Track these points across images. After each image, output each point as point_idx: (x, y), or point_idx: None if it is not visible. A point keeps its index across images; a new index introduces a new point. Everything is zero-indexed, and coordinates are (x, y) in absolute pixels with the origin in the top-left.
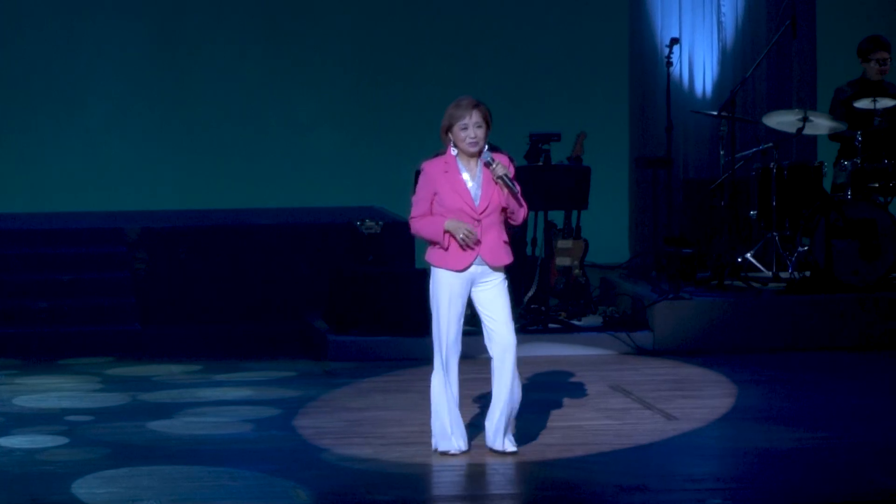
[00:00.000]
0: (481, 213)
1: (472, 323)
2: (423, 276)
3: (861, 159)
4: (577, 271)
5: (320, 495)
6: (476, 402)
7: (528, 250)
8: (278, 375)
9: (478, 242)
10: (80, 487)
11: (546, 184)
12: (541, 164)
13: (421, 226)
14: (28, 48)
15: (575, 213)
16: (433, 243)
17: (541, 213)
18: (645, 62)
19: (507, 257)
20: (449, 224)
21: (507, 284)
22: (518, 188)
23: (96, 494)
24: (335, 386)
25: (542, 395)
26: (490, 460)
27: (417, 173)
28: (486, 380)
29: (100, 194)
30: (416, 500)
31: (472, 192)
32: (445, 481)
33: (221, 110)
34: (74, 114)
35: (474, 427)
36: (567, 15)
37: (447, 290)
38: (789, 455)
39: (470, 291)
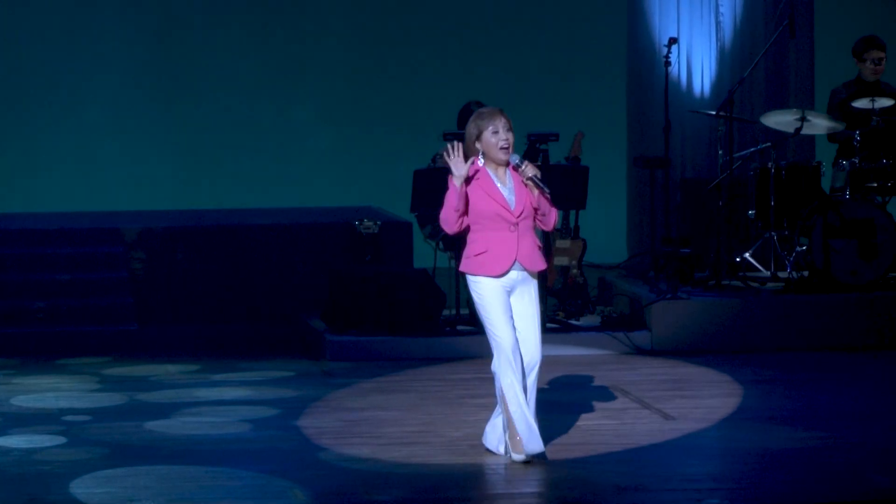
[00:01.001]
0: (518, 216)
1: (472, 323)
2: (422, 276)
3: (859, 159)
4: (575, 271)
5: (318, 495)
6: (478, 403)
7: None
8: (276, 375)
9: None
10: (77, 487)
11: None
12: (539, 164)
13: (443, 205)
14: (26, 49)
15: (573, 212)
16: (459, 213)
17: None
18: (643, 62)
19: (542, 262)
20: (454, 175)
21: (539, 295)
22: (548, 190)
23: (94, 494)
24: (333, 386)
25: (540, 395)
26: (489, 461)
27: (416, 173)
28: (486, 380)
29: (97, 194)
30: (415, 501)
31: (507, 197)
32: (444, 482)
33: (219, 111)
34: (72, 114)
35: (475, 427)
36: (565, 15)
37: (493, 298)
38: (788, 455)
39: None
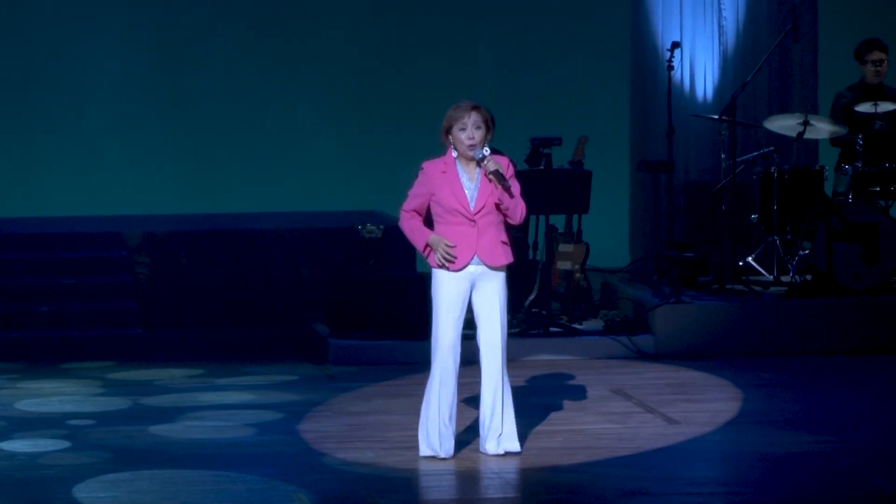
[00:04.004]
0: (476, 213)
1: (470, 327)
2: (425, 280)
3: (862, 163)
4: (578, 275)
5: (321, 499)
6: (471, 406)
7: (530, 254)
8: (280, 379)
9: (453, 249)
10: (81, 491)
11: (547, 188)
12: (542, 168)
13: (409, 229)
14: (29, 53)
15: (576, 217)
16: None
17: (542, 217)
18: (646, 66)
19: (504, 258)
20: (431, 239)
21: (505, 286)
22: (516, 186)
23: (98, 499)
24: (337, 390)
25: (543, 399)
26: (491, 465)
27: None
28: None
29: (101, 199)
30: None
31: (469, 194)
32: (446, 485)
33: (223, 115)
34: (76, 118)
35: (473, 431)
36: (568, 19)
37: (446, 292)
38: (791, 459)
39: (471, 294)
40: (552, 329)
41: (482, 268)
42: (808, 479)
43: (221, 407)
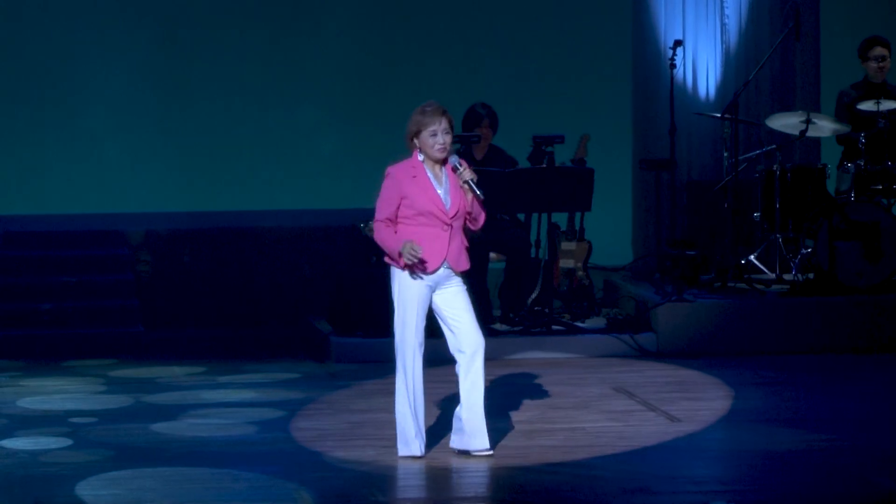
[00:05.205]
0: (452, 217)
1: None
2: None
3: (864, 161)
4: (580, 273)
5: (323, 497)
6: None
7: (532, 252)
8: (282, 377)
9: (420, 258)
10: (83, 489)
11: (549, 186)
12: (544, 165)
13: (384, 238)
14: (31, 52)
15: (578, 214)
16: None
17: (544, 216)
18: (648, 64)
19: (466, 263)
20: (404, 245)
21: (466, 288)
22: (482, 194)
23: (100, 496)
24: (338, 388)
25: (544, 396)
26: (491, 463)
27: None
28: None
29: (103, 197)
30: (419, 502)
31: (442, 197)
32: (446, 484)
33: (224, 113)
34: (78, 116)
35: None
36: (570, 17)
37: (415, 293)
38: (792, 458)
39: (431, 296)
40: (554, 327)
41: (448, 272)
42: (808, 477)
43: (223, 405)
